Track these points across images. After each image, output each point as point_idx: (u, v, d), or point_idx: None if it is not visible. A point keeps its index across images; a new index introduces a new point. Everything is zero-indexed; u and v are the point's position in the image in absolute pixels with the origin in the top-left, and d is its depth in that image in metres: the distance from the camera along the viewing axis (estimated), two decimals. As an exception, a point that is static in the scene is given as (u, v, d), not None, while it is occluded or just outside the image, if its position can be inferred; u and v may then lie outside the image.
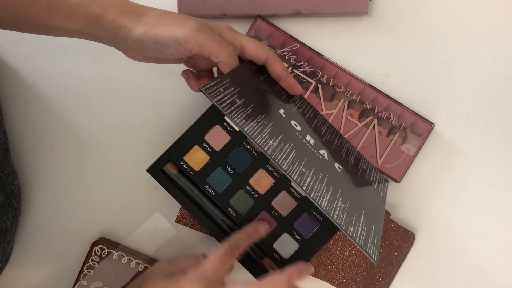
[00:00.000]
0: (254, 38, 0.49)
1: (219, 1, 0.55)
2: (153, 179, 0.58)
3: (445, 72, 0.57)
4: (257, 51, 0.47)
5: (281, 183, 0.52)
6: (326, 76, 0.56)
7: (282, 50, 0.56)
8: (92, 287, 0.56)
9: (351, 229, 0.42)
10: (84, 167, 0.58)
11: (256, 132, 0.41)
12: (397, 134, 0.56)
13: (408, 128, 0.56)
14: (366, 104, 0.56)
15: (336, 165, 0.49)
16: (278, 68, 0.48)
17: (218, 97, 0.41)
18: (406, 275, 0.58)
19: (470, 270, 0.58)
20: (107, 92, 0.58)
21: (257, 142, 0.41)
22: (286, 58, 0.56)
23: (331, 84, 0.56)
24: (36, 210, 0.58)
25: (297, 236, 0.52)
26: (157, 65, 0.57)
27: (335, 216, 0.41)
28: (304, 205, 0.52)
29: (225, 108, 0.41)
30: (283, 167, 0.41)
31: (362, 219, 0.45)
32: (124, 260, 0.56)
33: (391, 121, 0.56)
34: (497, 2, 0.57)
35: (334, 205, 0.43)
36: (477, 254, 0.58)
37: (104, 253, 0.56)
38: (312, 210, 0.52)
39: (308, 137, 0.48)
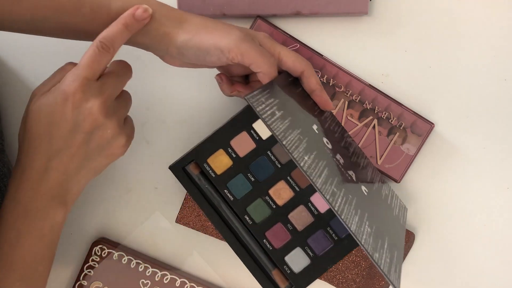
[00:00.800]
0: (292, 50, 0.49)
1: (219, 1, 0.55)
2: (154, 179, 0.58)
3: (445, 72, 0.57)
4: (294, 63, 0.47)
5: (301, 197, 0.52)
6: (326, 76, 0.56)
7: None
8: (92, 287, 0.56)
9: (377, 255, 0.42)
10: (84, 167, 0.58)
11: (294, 147, 0.41)
12: (397, 134, 0.56)
13: (408, 128, 0.56)
14: (366, 104, 0.56)
15: (363, 187, 0.48)
16: (313, 82, 0.48)
17: (260, 107, 0.41)
18: (406, 275, 0.58)
19: (470, 270, 0.58)
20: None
21: (294, 156, 0.41)
22: (286, 58, 0.56)
23: (331, 84, 0.56)
24: (36, 210, 0.58)
25: (310, 252, 0.52)
26: (158, 65, 0.57)
27: (363, 241, 0.41)
28: (321, 222, 0.52)
29: (266, 119, 0.41)
30: (317, 185, 0.41)
31: (385, 246, 0.45)
32: (124, 260, 0.56)
33: (391, 121, 0.56)
34: (497, 2, 0.57)
35: (362, 229, 0.43)
36: (477, 254, 0.58)
37: (104, 253, 0.56)
38: (328, 228, 0.52)
39: (338, 156, 0.48)
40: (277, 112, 0.43)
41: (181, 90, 0.58)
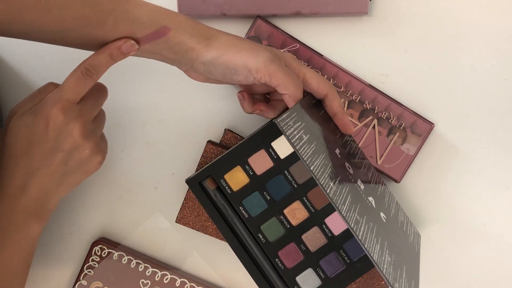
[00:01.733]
0: (315, 72, 0.49)
1: (219, 1, 0.55)
2: (154, 179, 0.58)
3: (445, 72, 0.57)
4: (319, 85, 0.47)
5: (315, 218, 0.52)
6: (326, 76, 0.56)
7: (282, 50, 0.56)
8: (92, 287, 0.56)
9: (397, 285, 0.42)
10: (84, 167, 0.58)
11: (320, 172, 0.42)
12: (397, 134, 0.56)
13: (408, 128, 0.56)
14: (366, 104, 0.56)
15: (382, 214, 0.48)
16: (336, 105, 0.48)
17: (289, 131, 0.42)
18: (406, 275, 0.58)
19: (470, 270, 0.58)
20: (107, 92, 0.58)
21: (321, 183, 0.41)
22: (286, 58, 0.56)
23: (331, 84, 0.56)
24: (36, 210, 0.58)
25: (321, 274, 0.52)
26: (158, 65, 0.57)
27: (384, 270, 0.41)
28: (334, 244, 0.52)
29: (295, 143, 0.41)
30: (342, 212, 0.41)
31: (404, 275, 0.45)
32: (124, 260, 0.56)
33: (391, 121, 0.56)
34: (497, 2, 0.57)
35: (383, 258, 0.43)
36: (477, 254, 0.58)
37: (104, 253, 0.56)
38: (341, 251, 0.52)
39: (359, 182, 0.48)
40: (304, 136, 0.43)
41: (181, 91, 0.58)
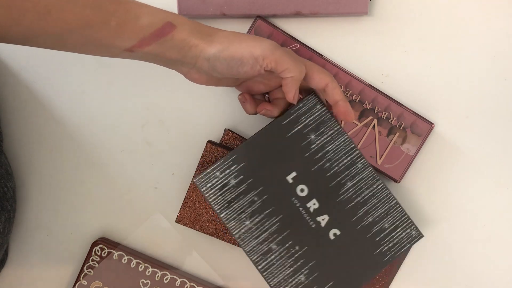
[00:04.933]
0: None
1: (219, 1, 0.55)
2: (154, 179, 0.58)
3: (445, 72, 0.57)
4: (320, 74, 0.48)
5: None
6: (326, 76, 0.56)
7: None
8: (92, 287, 0.57)
9: None
10: (84, 167, 0.58)
11: (235, 214, 0.49)
12: (397, 134, 0.56)
13: (408, 128, 0.56)
14: (366, 104, 0.56)
15: (334, 231, 0.50)
16: (338, 93, 0.48)
17: (209, 184, 0.49)
18: (406, 275, 0.58)
19: (470, 270, 0.58)
20: (107, 92, 0.58)
21: (229, 227, 0.49)
22: (286, 58, 0.56)
23: (331, 84, 0.56)
24: (36, 210, 0.58)
25: None
26: (157, 65, 0.57)
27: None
28: None
29: (210, 198, 0.49)
30: (246, 249, 0.49)
31: None
32: (124, 260, 0.56)
33: (391, 121, 0.56)
34: (497, 2, 0.57)
35: (292, 280, 0.49)
36: (477, 254, 0.58)
37: (104, 253, 0.56)
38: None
39: (311, 202, 0.50)
40: (232, 181, 0.49)
41: (181, 91, 0.58)
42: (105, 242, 0.57)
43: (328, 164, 0.50)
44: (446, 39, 0.57)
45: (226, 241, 0.55)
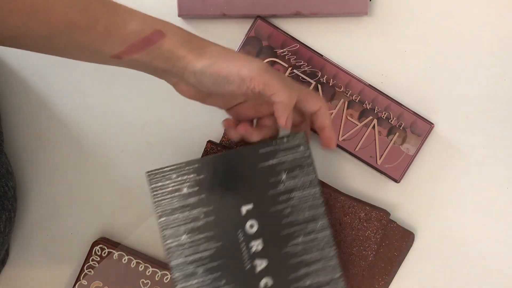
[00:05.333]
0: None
1: (219, 1, 0.55)
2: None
3: (445, 72, 0.57)
4: (313, 98, 0.46)
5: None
6: (326, 76, 0.56)
7: (282, 50, 0.56)
8: (93, 287, 0.57)
9: None
10: (84, 167, 0.58)
11: (175, 223, 0.46)
12: (397, 134, 0.56)
13: (408, 128, 0.56)
14: (366, 104, 0.56)
15: (265, 280, 0.46)
16: (328, 119, 0.47)
17: (162, 183, 0.45)
18: (405, 275, 0.58)
19: (470, 270, 0.58)
20: (108, 92, 0.58)
21: (165, 235, 0.45)
22: (286, 58, 0.56)
23: (331, 84, 0.56)
24: (36, 210, 0.58)
25: None
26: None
27: None
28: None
29: (157, 196, 0.45)
30: (171, 263, 0.45)
31: None
32: (125, 260, 0.56)
33: (391, 121, 0.56)
34: (497, 2, 0.57)
35: None
36: (477, 254, 0.58)
37: (104, 253, 0.56)
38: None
39: (256, 242, 0.46)
40: (185, 189, 0.45)
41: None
42: (105, 242, 0.57)
43: (288, 210, 0.47)
44: (446, 39, 0.57)
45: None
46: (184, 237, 0.45)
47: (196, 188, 0.46)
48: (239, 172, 0.47)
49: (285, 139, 0.47)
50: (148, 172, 0.45)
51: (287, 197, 0.47)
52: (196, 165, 0.46)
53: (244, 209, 0.46)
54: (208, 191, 0.46)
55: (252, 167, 0.47)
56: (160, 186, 0.45)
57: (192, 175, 0.46)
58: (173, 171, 0.46)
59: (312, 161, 0.47)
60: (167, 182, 0.45)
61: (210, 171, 0.46)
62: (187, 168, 0.46)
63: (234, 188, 0.46)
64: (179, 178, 0.46)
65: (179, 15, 0.55)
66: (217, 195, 0.46)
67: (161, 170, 0.45)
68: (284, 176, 0.47)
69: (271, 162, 0.47)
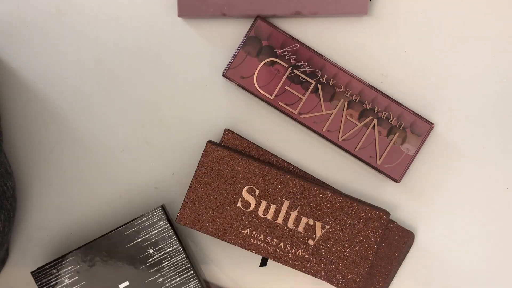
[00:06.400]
0: None
1: (219, 1, 0.55)
2: (154, 179, 0.58)
3: (445, 72, 0.57)
4: None
5: None
6: (326, 76, 0.56)
7: (282, 50, 0.56)
8: (92, 287, 0.57)
9: None
10: (84, 167, 0.58)
11: None
12: (397, 134, 0.56)
13: (408, 128, 0.56)
14: (365, 104, 0.56)
15: None
16: None
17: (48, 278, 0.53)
18: (405, 275, 0.58)
19: (470, 270, 0.58)
20: (108, 92, 0.58)
21: None
22: (286, 58, 0.56)
23: (330, 84, 0.56)
24: (36, 210, 0.58)
25: None
26: (157, 65, 0.57)
27: None
28: None
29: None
30: None
31: None
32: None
33: (391, 121, 0.56)
34: (497, 2, 0.57)
35: None
36: (476, 254, 0.58)
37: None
38: None
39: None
40: (66, 280, 0.53)
41: (181, 91, 0.58)
42: (105, 242, 0.57)
43: (161, 280, 0.53)
44: (446, 39, 0.57)
45: (227, 241, 0.55)
46: None
47: (76, 278, 0.53)
48: (112, 255, 0.53)
49: (145, 218, 0.53)
50: (32, 272, 0.53)
51: (158, 268, 0.54)
52: (72, 258, 0.53)
53: (122, 286, 0.53)
54: (87, 278, 0.53)
55: (121, 248, 0.53)
56: (45, 282, 0.53)
57: (70, 267, 0.53)
58: (52, 267, 0.53)
59: (173, 232, 0.53)
60: (50, 277, 0.53)
61: (85, 260, 0.53)
62: (63, 262, 0.53)
63: (110, 270, 0.53)
64: (59, 272, 0.53)
65: (179, 15, 0.55)
66: (96, 279, 0.53)
67: (42, 269, 0.52)
68: (151, 251, 0.54)
69: (137, 240, 0.53)
